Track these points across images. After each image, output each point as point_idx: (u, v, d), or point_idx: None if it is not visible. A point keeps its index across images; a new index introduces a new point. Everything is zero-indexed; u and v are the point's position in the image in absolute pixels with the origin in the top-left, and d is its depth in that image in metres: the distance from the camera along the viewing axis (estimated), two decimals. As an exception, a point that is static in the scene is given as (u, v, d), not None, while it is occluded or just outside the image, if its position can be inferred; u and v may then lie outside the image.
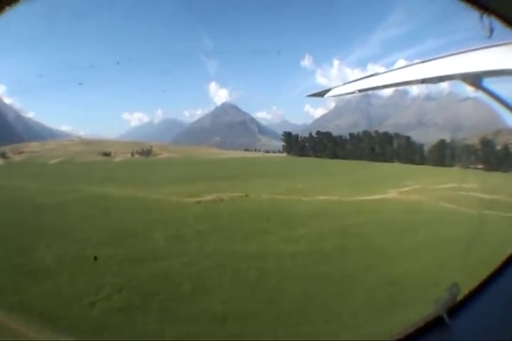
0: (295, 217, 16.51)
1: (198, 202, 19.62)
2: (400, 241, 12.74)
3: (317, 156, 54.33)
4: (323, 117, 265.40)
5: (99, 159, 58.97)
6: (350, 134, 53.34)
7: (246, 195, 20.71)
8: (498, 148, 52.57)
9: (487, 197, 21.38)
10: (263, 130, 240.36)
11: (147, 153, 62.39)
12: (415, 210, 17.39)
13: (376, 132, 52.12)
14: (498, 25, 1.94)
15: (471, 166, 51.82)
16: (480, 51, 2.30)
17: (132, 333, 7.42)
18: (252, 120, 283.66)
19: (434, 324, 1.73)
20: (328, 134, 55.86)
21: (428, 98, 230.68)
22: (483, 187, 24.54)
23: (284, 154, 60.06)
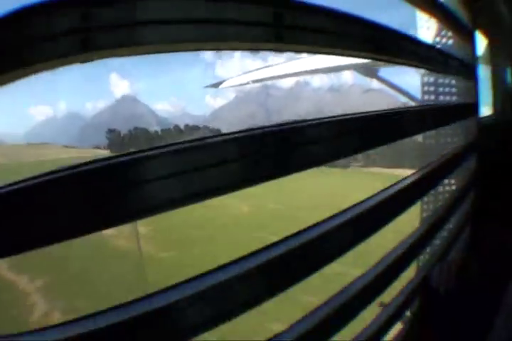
0: None
1: None
2: None
3: (134, 153, 54.85)
4: (222, 108, 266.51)
5: None
6: (162, 130, 55.02)
7: None
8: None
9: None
10: (162, 122, 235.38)
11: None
12: None
13: (176, 126, 54.58)
14: None
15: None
16: None
17: None
18: (151, 112, 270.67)
19: None
20: (144, 130, 56.59)
21: (331, 89, 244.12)
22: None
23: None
